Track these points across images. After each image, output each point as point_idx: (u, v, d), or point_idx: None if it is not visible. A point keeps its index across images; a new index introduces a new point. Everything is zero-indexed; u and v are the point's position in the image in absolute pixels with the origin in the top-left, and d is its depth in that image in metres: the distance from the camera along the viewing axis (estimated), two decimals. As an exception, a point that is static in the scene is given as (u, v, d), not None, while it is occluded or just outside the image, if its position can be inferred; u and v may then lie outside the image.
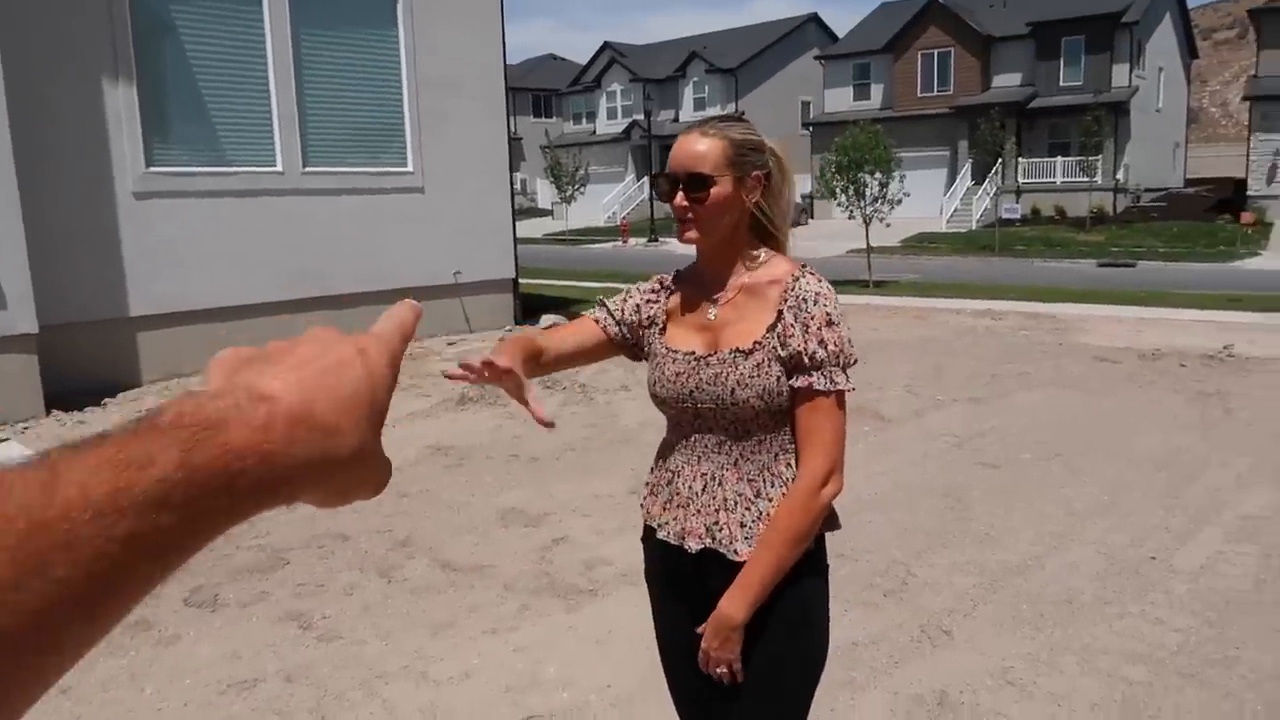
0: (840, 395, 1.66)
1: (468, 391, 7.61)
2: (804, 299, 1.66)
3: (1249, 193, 30.74)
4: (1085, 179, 30.49)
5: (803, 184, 33.98)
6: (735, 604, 1.64)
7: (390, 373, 0.50)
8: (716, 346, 1.72)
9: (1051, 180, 33.15)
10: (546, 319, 11.88)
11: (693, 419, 1.75)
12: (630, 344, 1.87)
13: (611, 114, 47.44)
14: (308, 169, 9.82)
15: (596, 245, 34.58)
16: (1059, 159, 33.05)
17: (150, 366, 8.78)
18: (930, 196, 32.44)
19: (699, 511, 1.73)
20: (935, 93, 35.94)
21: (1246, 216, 28.70)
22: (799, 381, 1.65)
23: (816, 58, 41.12)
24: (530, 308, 12.50)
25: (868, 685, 3.25)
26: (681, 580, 1.79)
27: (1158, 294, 15.00)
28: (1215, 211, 31.07)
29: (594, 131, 48.19)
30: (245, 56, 9.39)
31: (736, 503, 1.70)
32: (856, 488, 4.83)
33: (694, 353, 1.74)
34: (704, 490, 1.73)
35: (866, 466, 5.66)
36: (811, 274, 1.71)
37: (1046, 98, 33.73)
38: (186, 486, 0.38)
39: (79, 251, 8.31)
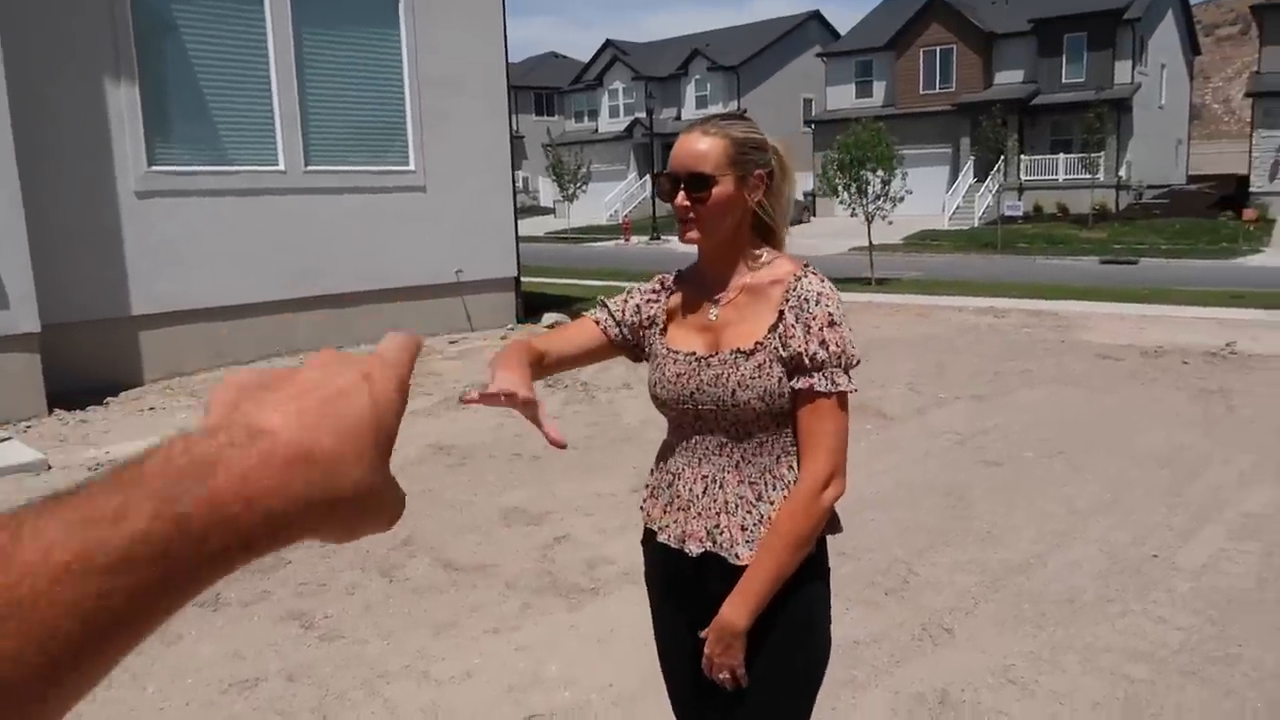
0: (842, 397, 1.64)
1: (469, 391, 7.61)
2: (806, 299, 1.64)
3: (1251, 189, 30.69)
4: (1087, 176, 30.46)
5: (805, 181, 33.99)
6: (737, 610, 1.62)
7: (398, 398, 0.47)
8: (718, 347, 1.71)
9: (1054, 177, 33.12)
10: (549, 317, 11.89)
11: (693, 420, 1.73)
12: (631, 345, 1.86)
13: (613, 112, 47.43)
14: (309, 168, 9.83)
15: (599, 243, 34.58)
16: (1061, 156, 33.03)
17: (152, 365, 8.79)
18: (932, 194, 32.42)
19: (699, 514, 1.71)
20: (937, 90, 35.91)
21: (1249, 213, 28.67)
22: (800, 383, 1.63)
23: (818, 55, 41.09)
24: (532, 306, 12.49)
25: (869, 684, 3.25)
26: (682, 584, 1.77)
27: (1160, 291, 14.99)
28: (1218, 208, 31.03)
29: (596, 130, 48.18)
30: (247, 55, 9.39)
31: (738, 506, 1.68)
32: (858, 486, 4.83)
33: (695, 353, 1.72)
34: (705, 493, 1.71)
35: (868, 465, 5.66)
36: (814, 273, 1.69)
37: (1049, 95, 33.70)
38: (165, 541, 0.36)
39: (81, 251, 8.32)
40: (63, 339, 7.88)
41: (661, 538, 1.78)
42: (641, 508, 1.87)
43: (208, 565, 0.38)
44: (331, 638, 3.69)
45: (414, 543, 4.68)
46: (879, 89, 37.86)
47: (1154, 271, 20.04)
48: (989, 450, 6.10)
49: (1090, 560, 4.28)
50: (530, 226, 34.15)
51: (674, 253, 24.67)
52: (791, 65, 44.08)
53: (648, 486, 1.87)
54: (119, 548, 0.35)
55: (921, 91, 36.36)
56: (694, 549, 1.71)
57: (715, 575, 1.70)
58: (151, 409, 7.74)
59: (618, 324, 1.85)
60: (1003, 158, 32.84)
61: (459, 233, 10.94)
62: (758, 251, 1.75)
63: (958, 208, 33.34)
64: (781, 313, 1.65)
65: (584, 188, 38.56)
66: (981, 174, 33.81)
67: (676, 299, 1.83)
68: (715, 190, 1.66)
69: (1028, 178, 33.45)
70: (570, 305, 13.18)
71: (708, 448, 1.72)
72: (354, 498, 0.42)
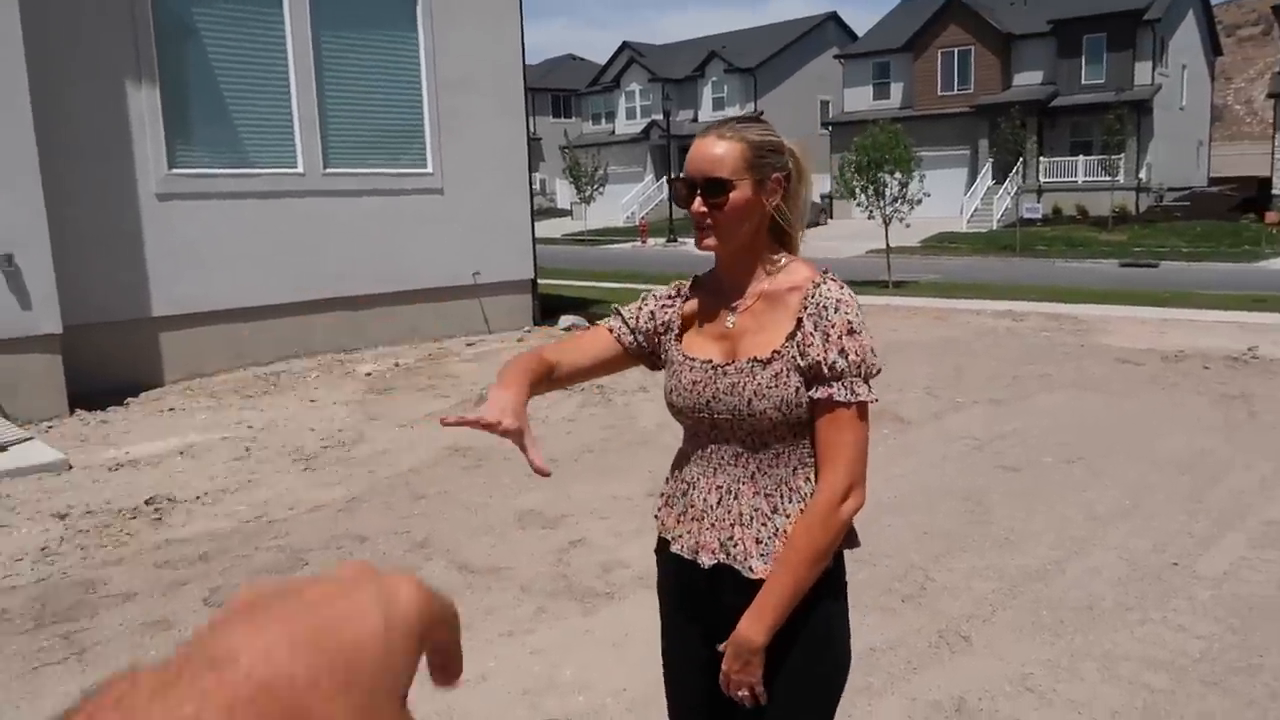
0: (862, 407, 1.61)
1: (485, 392, 7.63)
2: (824, 306, 1.61)
3: (1274, 191, 30.37)
4: (1107, 178, 30.24)
5: (822, 184, 33.91)
6: (755, 626, 1.59)
7: (416, 645, 0.38)
8: (734, 355, 1.68)
9: (1073, 179, 32.90)
10: (565, 320, 11.90)
11: (709, 429, 1.70)
12: (647, 353, 1.83)
13: (630, 114, 47.45)
14: (328, 170, 9.89)
15: (615, 245, 34.60)
16: (1080, 158, 32.79)
17: (172, 366, 8.86)
18: (950, 196, 32.27)
19: (713, 525, 1.68)
20: (955, 91, 35.74)
21: (1271, 216, 28.38)
22: (818, 392, 1.60)
23: (836, 57, 40.99)
24: (549, 308, 12.51)
25: (885, 691, 3.23)
26: (694, 596, 1.75)
27: (1181, 295, 14.85)
28: (1239, 211, 30.74)
29: (613, 131, 48.21)
30: (266, 59, 9.46)
31: (753, 518, 1.65)
32: (875, 491, 4.82)
33: (711, 361, 1.69)
34: (719, 504, 1.68)
35: (886, 469, 5.63)
36: (833, 280, 1.66)
37: (1068, 96, 33.48)
38: None
39: (102, 252, 8.40)
40: (84, 340, 7.95)
41: (675, 548, 1.75)
42: (656, 516, 1.84)
43: None
44: (348, 640, 3.69)
45: (430, 545, 4.69)
46: (897, 90, 37.72)
47: (1174, 275, 19.87)
48: (1007, 455, 6.06)
49: (1110, 567, 4.25)
50: (547, 228, 34.21)
51: (691, 255, 24.72)
52: (809, 67, 43.98)
53: (662, 495, 1.84)
54: None
55: (939, 93, 36.19)
56: (707, 561, 1.68)
57: (729, 587, 1.67)
58: (171, 410, 7.80)
59: (632, 331, 1.82)
60: (1021, 159, 32.65)
61: (476, 235, 10.97)
62: (775, 256, 1.71)
63: (976, 210, 33.16)
64: (800, 320, 1.62)
65: (601, 190, 38.60)
66: (1000, 176, 33.62)
67: (693, 305, 1.80)
68: (733, 195, 1.63)
69: (1046, 180, 33.24)
70: (587, 307, 13.19)
71: (723, 457, 1.69)
72: None
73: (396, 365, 9.40)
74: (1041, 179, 33.21)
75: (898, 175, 17.13)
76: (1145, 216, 31.32)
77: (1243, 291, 15.37)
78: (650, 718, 3.08)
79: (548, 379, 1.73)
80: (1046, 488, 5.41)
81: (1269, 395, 7.52)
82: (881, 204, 17.39)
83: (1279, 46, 33.12)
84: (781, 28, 46.79)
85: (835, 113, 40.33)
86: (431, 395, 8.00)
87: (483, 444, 6.48)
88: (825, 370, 1.59)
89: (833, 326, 1.59)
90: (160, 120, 8.73)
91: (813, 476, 1.65)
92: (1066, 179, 33.07)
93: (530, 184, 11.90)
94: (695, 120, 42.80)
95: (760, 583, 1.62)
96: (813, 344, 1.60)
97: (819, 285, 1.64)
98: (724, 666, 1.64)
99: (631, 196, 43.75)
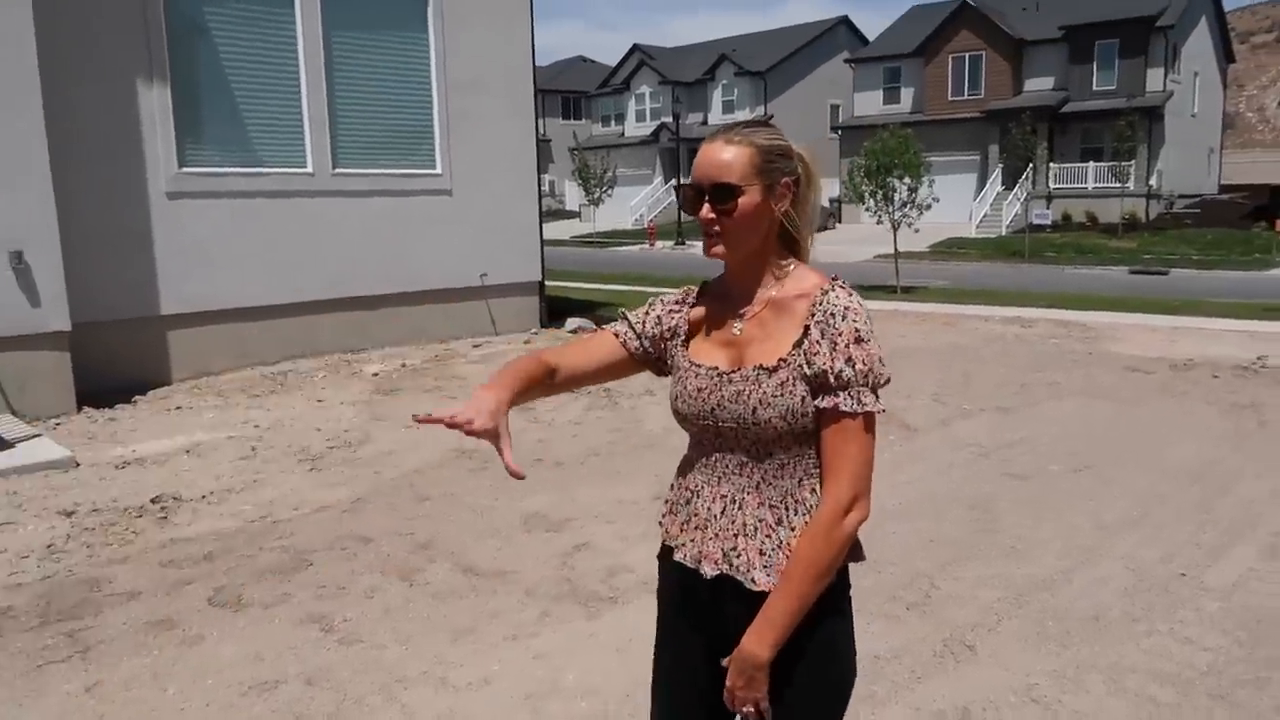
0: (868, 417, 1.58)
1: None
2: (832, 314, 1.58)
3: (1286, 200, 30.24)
4: (1117, 185, 30.14)
5: (831, 188, 33.88)
6: (759, 642, 1.56)
7: None
8: (740, 363, 1.66)
9: (1083, 186, 32.81)
10: (572, 322, 11.89)
11: (714, 437, 1.69)
12: (653, 358, 1.81)
13: (640, 116, 47.47)
14: (337, 170, 9.91)
15: (624, 248, 34.61)
16: (1091, 164, 32.70)
17: (180, 365, 8.88)
18: (960, 201, 32.21)
19: (717, 535, 1.67)
20: (966, 96, 35.69)
21: (1282, 224, 28.23)
22: (824, 402, 1.57)
23: (846, 61, 40.97)
24: (556, 310, 12.51)
25: (889, 700, 3.21)
26: (696, 606, 1.73)
27: (1191, 303, 14.79)
28: (1250, 219, 30.58)
29: (622, 134, 48.24)
30: (277, 59, 9.49)
31: (756, 529, 1.63)
32: (881, 497, 4.80)
33: (717, 368, 1.67)
34: (723, 513, 1.67)
35: (892, 476, 5.61)
36: (842, 287, 1.63)
37: (1079, 102, 33.40)
38: None
39: (111, 251, 8.43)
40: (92, 338, 7.98)
41: (678, 556, 1.73)
42: (660, 522, 1.83)
43: None
44: (350, 641, 3.70)
45: (434, 547, 4.69)
46: (907, 95, 37.67)
47: (1184, 282, 19.79)
48: (1015, 463, 6.03)
49: (1117, 577, 4.22)
50: (556, 230, 34.20)
51: (699, 258, 24.74)
52: (819, 71, 43.96)
53: (667, 501, 1.82)
54: None
55: (950, 98, 36.14)
56: (710, 571, 1.67)
57: (731, 599, 1.65)
58: (179, 408, 7.81)
59: (638, 336, 1.80)
60: (1031, 165, 32.56)
61: (484, 236, 10.98)
62: (784, 262, 1.69)
63: (985, 216, 33.09)
64: (807, 328, 1.60)
65: (610, 192, 38.63)
66: (1009, 182, 33.54)
67: (701, 311, 1.78)
68: (741, 201, 1.61)
69: (1056, 186, 33.16)
70: (594, 310, 13.19)
71: (727, 466, 1.67)
72: None
73: (403, 366, 9.41)
74: (1051, 185, 33.13)
75: (907, 180, 17.12)
76: (1155, 224, 31.20)
77: (1253, 300, 15.30)
78: (653, 724, 3.07)
79: (546, 382, 1.72)
80: (1054, 496, 5.38)
81: (1279, 405, 7.47)
82: (890, 209, 17.37)
83: (1292, 54, 32.90)
84: (792, 31, 46.78)
85: (845, 117, 40.31)
86: (438, 396, 8.00)
87: (489, 446, 6.46)
88: (831, 379, 1.56)
89: (840, 335, 1.57)
90: (171, 119, 8.75)
91: (818, 488, 1.62)
92: (1076, 185, 32.97)
93: (539, 186, 11.90)
94: (705, 123, 42.80)
95: (763, 594, 1.60)
96: (819, 352, 1.57)
97: (827, 293, 1.62)
98: (728, 682, 1.62)
99: (640, 199, 43.76)
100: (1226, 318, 12.67)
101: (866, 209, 18.16)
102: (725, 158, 1.62)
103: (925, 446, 6.47)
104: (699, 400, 1.67)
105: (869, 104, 38.37)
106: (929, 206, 17.54)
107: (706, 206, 1.63)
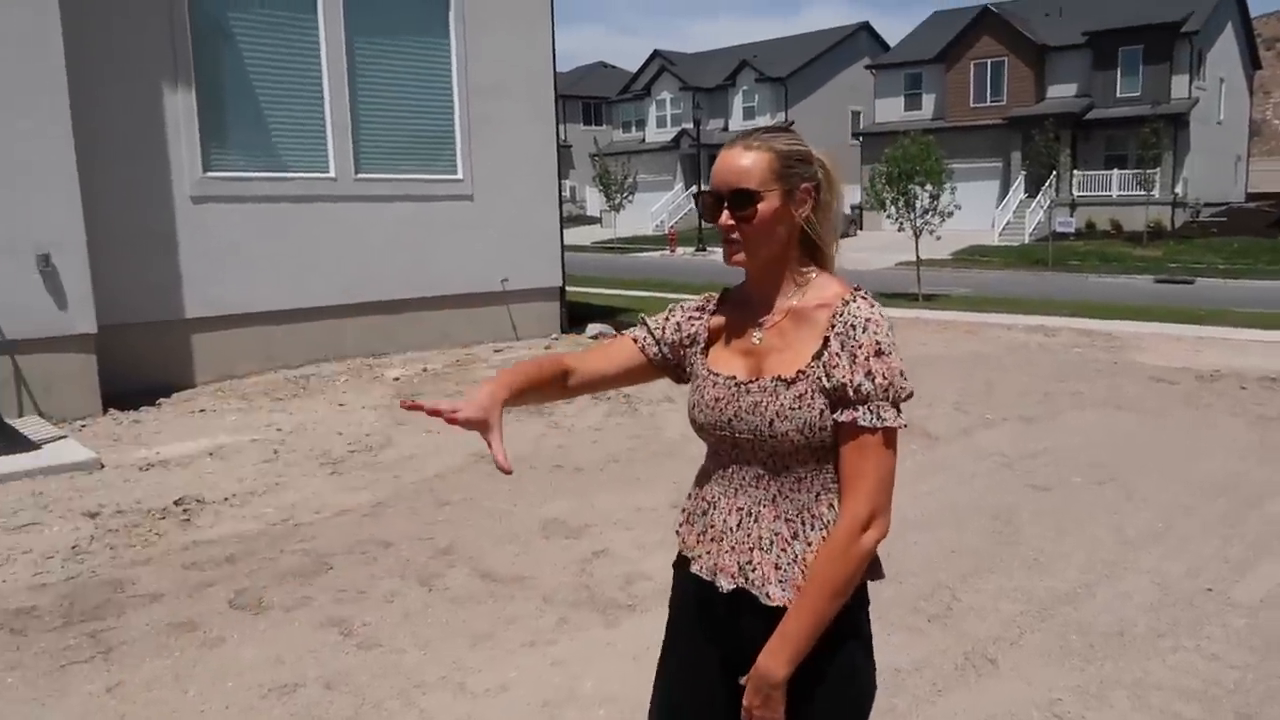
0: (888, 433, 1.54)
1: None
2: (853, 325, 1.55)
3: (1314, 209, 29.89)
4: (1142, 192, 29.88)
5: (852, 195, 33.77)
6: (775, 660, 1.54)
7: None
8: (759, 373, 1.63)
9: (1107, 193, 32.53)
10: (592, 328, 11.90)
11: (730, 449, 1.66)
12: (672, 365, 1.79)
13: (661, 122, 47.54)
14: (360, 175, 9.97)
15: (644, 254, 34.61)
16: (1115, 172, 32.43)
17: (204, 368, 8.95)
18: (982, 209, 31.99)
19: (733, 548, 1.64)
20: (988, 103, 35.49)
21: (1311, 233, 27.91)
22: (843, 416, 1.54)
23: (867, 67, 40.83)
24: (577, 316, 12.52)
25: (909, 713, 3.19)
26: (712, 619, 1.70)
27: (1217, 312, 14.62)
28: (1277, 227, 30.24)
29: (643, 140, 48.31)
30: (300, 63, 9.57)
31: (772, 543, 1.60)
32: (903, 507, 4.77)
33: (735, 378, 1.65)
34: (739, 526, 1.64)
35: (913, 486, 5.57)
36: (864, 298, 1.60)
37: (1103, 109, 33.14)
38: None
39: (137, 254, 8.51)
40: (118, 340, 8.05)
41: (694, 568, 1.71)
42: (677, 531, 1.81)
43: None
44: (369, 646, 3.70)
45: (453, 552, 4.70)
46: (928, 102, 37.51)
47: (1211, 292, 19.57)
48: (1037, 474, 5.98)
49: (1141, 592, 4.17)
50: (576, 236, 34.27)
51: (719, 264, 24.67)
52: (840, 77, 43.87)
53: (684, 510, 1.80)
54: None
55: (972, 104, 35.95)
56: (726, 585, 1.64)
57: (747, 613, 1.62)
58: (203, 411, 7.88)
59: (657, 342, 1.79)
60: (1055, 173, 32.33)
61: (505, 241, 11.02)
62: (806, 270, 1.66)
63: (1008, 223, 32.88)
64: (826, 339, 1.56)
65: (630, 198, 38.67)
66: (1033, 189, 33.31)
67: (721, 319, 1.76)
68: (761, 207, 1.59)
69: (1080, 193, 32.89)
70: (615, 316, 13.20)
71: (744, 478, 1.65)
72: None
73: (425, 370, 9.44)
74: (1075, 193, 32.86)
75: (928, 187, 17.02)
76: (1181, 232, 30.90)
77: (1281, 310, 15.11)
78: (671, 734, 3.06)
79: (558, 384, 1.71)
80: (1077, 508, 5.32)
81: (1307, 417, 7.37)
82: (912, 216, 17.28)
83: (1321, 61, 32.55)
84: (813, 37, 46.70)
85: (866, 123, 40.16)
86: (458, 400, 8.01)
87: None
88: (850, 393, 1.53)
89: (860, 347, 1.53)
90: (195, 123, 8.84)
91: (836, 503, 1.59)
92: (1100, 193, 32.70)
93: (560, 191, 11.93)
94: (725, 129, 42.79)
95: (779, 609, 1.57)
96: (839, 365, 1.54)
97: (848, 303, 1.59)
98: (745, 702, 1.59)
99: (661, 205, 43.77)
100: (1253, 328, 12.51)
101: (888, 216, 18.06)
102: (744, 163, 1.60)
103: (947, 456, 6.43)
104: (716, 410, 1.65)
105: (890, 110, 38.25)
106: (951, 214, 17.43)
107: (726, 213, 1.61)
